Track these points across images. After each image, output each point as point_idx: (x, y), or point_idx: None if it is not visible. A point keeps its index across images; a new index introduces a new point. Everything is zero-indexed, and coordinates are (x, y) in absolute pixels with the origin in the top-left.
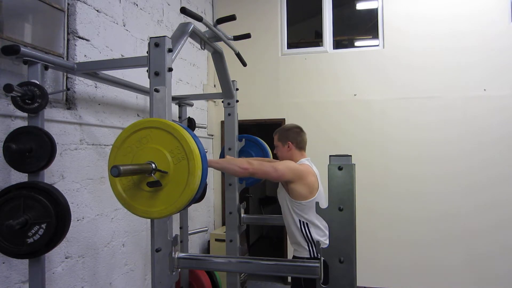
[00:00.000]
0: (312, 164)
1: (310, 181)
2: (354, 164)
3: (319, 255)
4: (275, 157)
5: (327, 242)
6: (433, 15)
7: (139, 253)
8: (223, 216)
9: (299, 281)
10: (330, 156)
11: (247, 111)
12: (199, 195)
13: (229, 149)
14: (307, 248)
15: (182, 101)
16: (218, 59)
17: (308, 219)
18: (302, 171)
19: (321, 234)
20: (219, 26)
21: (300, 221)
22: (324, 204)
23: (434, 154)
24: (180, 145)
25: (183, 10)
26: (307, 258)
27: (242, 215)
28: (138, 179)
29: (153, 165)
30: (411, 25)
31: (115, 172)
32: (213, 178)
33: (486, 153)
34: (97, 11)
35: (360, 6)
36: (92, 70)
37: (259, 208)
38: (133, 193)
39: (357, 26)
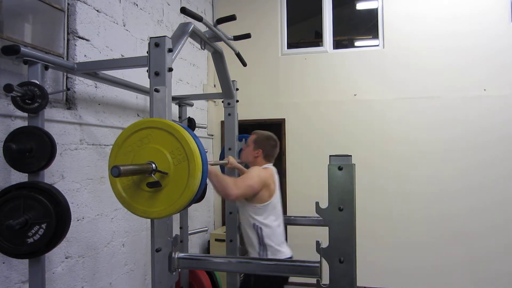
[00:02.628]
0: (273, 168)
1: (272, 187)
2: (354, 164)
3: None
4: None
5: (283, 249)
6: (433, 15)
7: (139, 253)
8: (223, 216)
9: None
10: (330, 156)
11: (247, 111)
12: (199, 196)
13: (229, 149)
14: (258, 251)
15: (182, 101)
16: (218, 59)
17: (261, 221)
18: (267, 178)
19: (276, 239)
20: (219, 26)
21: (254, 224)
22: (278, 205)
23: (434, 154)
24: (181, 146)
25: (183, 10)
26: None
27: None
28: (138, 179)
29: (153, 165)
30: (411, 25)
31: (115, 172)
32: None
33: (486, 153)
34: (97, 11)
35: (360, 6)
36: (92, 70)
37: None
38: (133, 193)
39: (357, 26)
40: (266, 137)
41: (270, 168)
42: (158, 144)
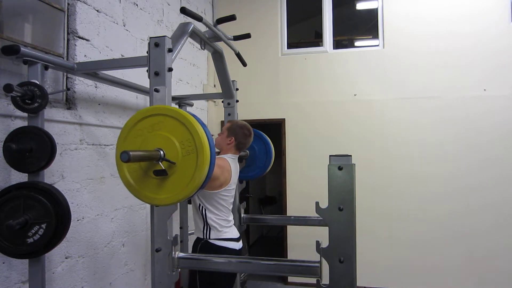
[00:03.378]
0: (234, 161)
1: (223, 177)
2: (354, 164)
3: (209, 237)
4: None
5: (226, 229)
6: (433, 15)
7: (139, 253)
8: None
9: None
10: (330, 156)
11: (247, 111)
12: (203, 188)
13: None
14: (202, 230)
15: (182, 101)
16: (218, 59)
17: (206, 205)
18: (221, 168)
19: (219, 221)
20: (219, 26)
21: (200, 205)
22: (230, 199)
23: (434, 154)
24: (192, 138)
25: (183, 10)
26: (200, 239)
27: (242, 215)
28: (146, 165)
29: (162, 152)
30: (411, 25)
31: (124, 157)
32: None
33: (486, 153)
34: (97, 11)
35: (360, 6)
36: (92, 70)
37: (259, 208)
38: (141, 179)
39: (357, 26)
40: (240, 126)
41: (227, 159)
42: (168, 132)
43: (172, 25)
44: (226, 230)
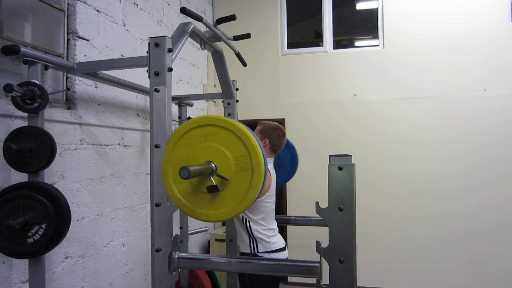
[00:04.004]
0: (271, 165)
1: (266, 183)
2: (354, 164)
3: (258, 251)
4: None
5: (272, 240)
6: (433, 15)
7: (139, 253)
8: None
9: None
10: (330, 156)
11: (247, 111)
12: None
13: None
14: (248, 244)
15: (182, 101)
16: (218, 59)
17: (250, 216)
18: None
19: (265, 231)
20: (219, 26)
21: (243, 218)
22: (272, 205)
23: (434, 154)
24: (248, 155)
25: (183, 10)
26: (247, 254)
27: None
28: (197, 181)
29: (213, 165)
30: (411, 25)
31: (185, 174)
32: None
33: (486, 153)
34: (97, 11)
35: (360, 6)
36: (92, 70)
37: None
38: (189, 195)
39: (357, 26)
40: (272, 127)
41: (269, 166)
42: (223, 145)
43: (172, 25)
44: (273, 240)
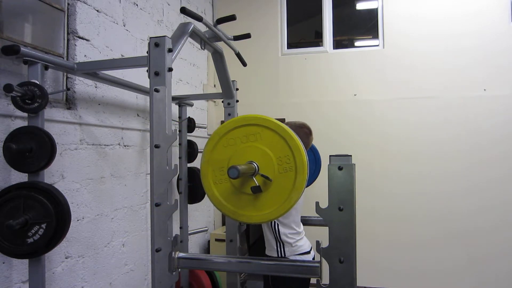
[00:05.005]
0: None
1: None
2: (354, 164)
3: (285, 255)
4: None
5: (299, 243)
6: (433, 15)
7: (139, 253)
8: (223, 216)
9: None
10: (330, 156)
11: (247, 111)
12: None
13: None
14: (275, 248)
15: (182, 101)
16: (218, 59)
17: (281, 221)
18: None
19: (293, 235)
20: (219, 26)
21: (272, 221)
22: (300, 208)
23: (434, 154)
24: (292, 155)
25: (183, 10)
26: (275, 257)
27: None
28: (238, 181)
29: (256, 165)
30: (411, 25)
31: (234, 173)
32: None
33: (486, 153)
34: (97, 11)
35: (360, 6)
36: (92, 70)
37: None
38: (230, 197)
39: (357, 26)
40: (299, 126)
41: None
42: (266, 145)
43: (172, 25)
44: (300, 243)
